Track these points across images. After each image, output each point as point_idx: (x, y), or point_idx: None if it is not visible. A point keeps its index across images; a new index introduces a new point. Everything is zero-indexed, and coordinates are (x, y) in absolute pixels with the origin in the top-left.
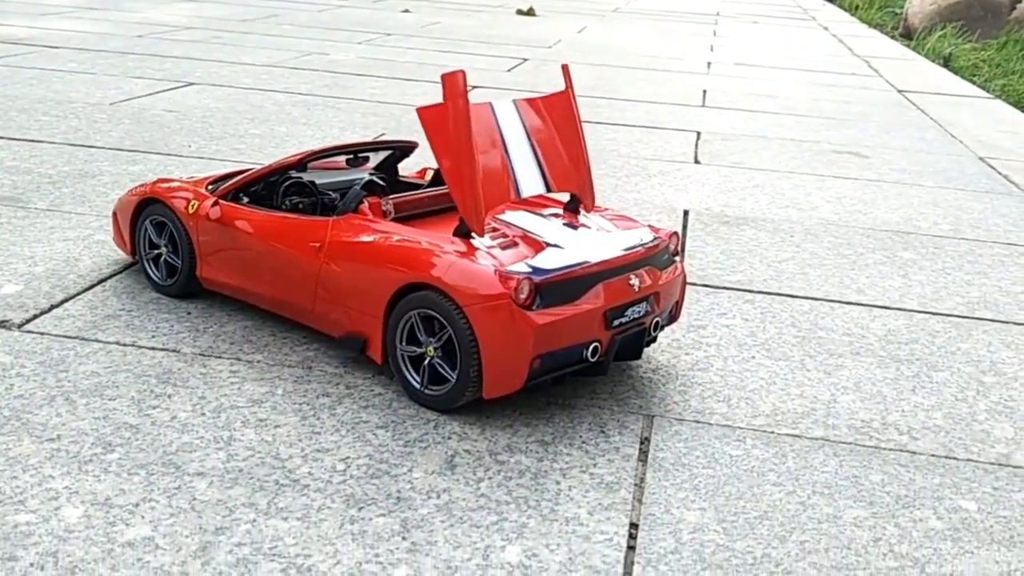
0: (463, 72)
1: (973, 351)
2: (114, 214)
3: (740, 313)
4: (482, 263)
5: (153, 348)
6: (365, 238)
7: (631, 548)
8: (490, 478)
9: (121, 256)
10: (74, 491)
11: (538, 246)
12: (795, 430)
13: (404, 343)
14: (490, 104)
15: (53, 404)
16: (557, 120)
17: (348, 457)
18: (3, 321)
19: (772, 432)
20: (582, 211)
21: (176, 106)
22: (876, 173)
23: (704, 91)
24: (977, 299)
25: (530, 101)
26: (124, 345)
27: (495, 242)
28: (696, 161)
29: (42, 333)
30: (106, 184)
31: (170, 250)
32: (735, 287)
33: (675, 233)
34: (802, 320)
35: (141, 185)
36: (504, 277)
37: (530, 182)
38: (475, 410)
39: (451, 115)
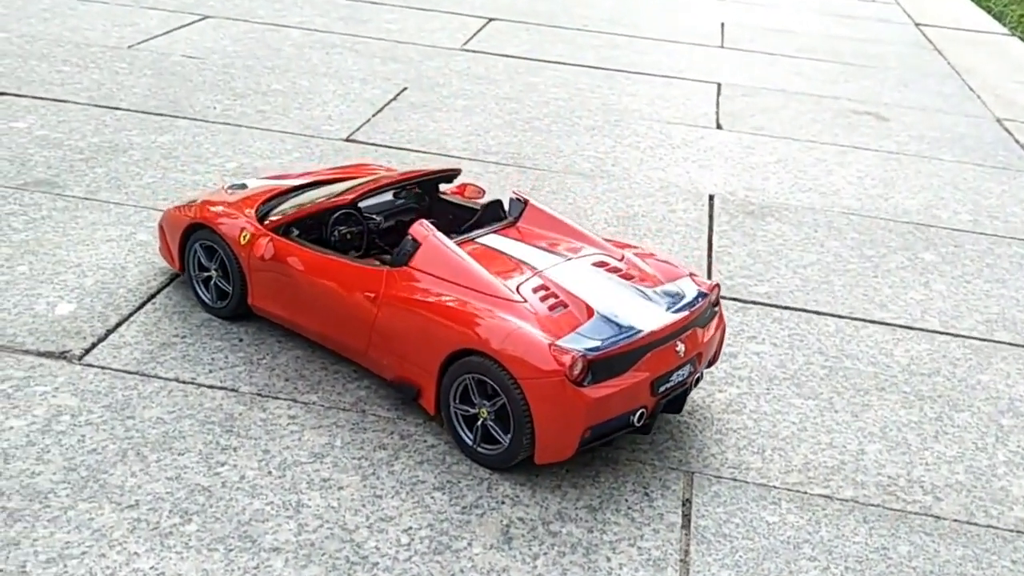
0: (423, 221)
1: (992, 385)
2: (160, 227)
3: (769, 336)
4: (536, 335)
5: (212, 386)
6: (419, 296)
7: None
8: (544, 553)
9: (165, 264)
10: (160, 572)
11: (588, 311)
12: (826, 489)
13: (457, 401)
14: (469, 239)
15: (126, 460)
16: (538, 224)
17: (411, 528)
18: (64, 352)
19: (805, 492)
20: (622, 255)
21: (195, 49)
22: (896, 143)
23: (722, 24)
24: (996, 316)
25: (503, 231)
26: (184, 383)
27: (545, 304)
28: (718, 126)
29: (103, 367)
30: (138, 162)
31: (220, 275)
32: (763, 301)
33: (717, 285)
34: (829, 346)
35: (188, 204)
36: (559, 352)
37: (539, 258)
38: (525, 468)
39: (431, 247)
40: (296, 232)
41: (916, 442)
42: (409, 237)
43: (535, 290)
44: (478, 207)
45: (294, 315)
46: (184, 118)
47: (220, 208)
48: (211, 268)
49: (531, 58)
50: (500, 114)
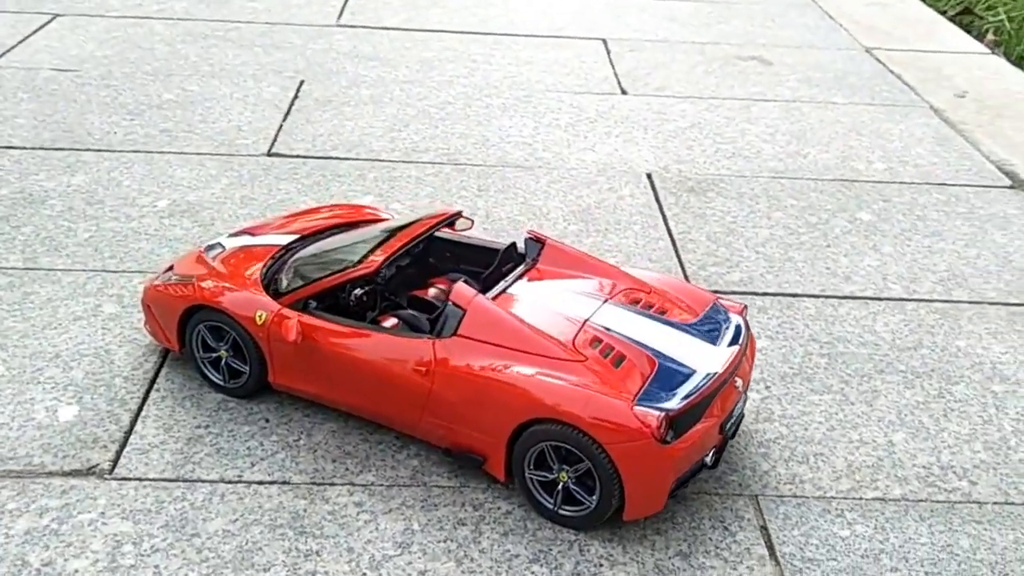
0: (460, 285)
1: (971, 351)
2: (146, 306)
3: (762, 329)
4: (614, 396)
5: (262, 482)
6: (478, 367)
7: None
8: None
9: (149, 340)
10: None
11: (649, 360)
12: (876, 491)
13: (532, 467)
14: (502, 292)
15: None
16: (557, 262)
17: None
18: (92, 467)
19: (861, 498)
20: (650, 287)
21: (61, 59)
22: (788, 89)
23: None
24: (946, 274)
25: (527, 275)
26: (231, 483)
27: (607, 358)
28: (623, 91)
29: (140, 479)
30: (63, 214)
31: (231, 355)
32: (741, 290)
33: (744, 306)
34: (817, 331)
35: (180, 281)
36: (642, 413)
37: (578, 305)
38: (606, 522)
39: (478, 312)
40: (314, 305)
41: (931, 424)
42: (450, 304)
43: (590, 344)
44: (472, 240)
45: (328, 391)
46: (88, 150)
47: (214, 283)
48: (220, 348)
49: (412, 28)
50: (410, 102)
